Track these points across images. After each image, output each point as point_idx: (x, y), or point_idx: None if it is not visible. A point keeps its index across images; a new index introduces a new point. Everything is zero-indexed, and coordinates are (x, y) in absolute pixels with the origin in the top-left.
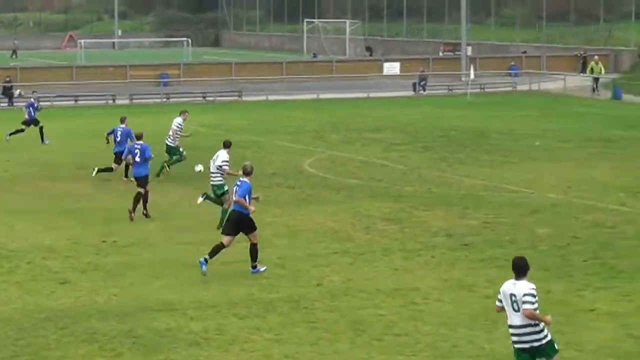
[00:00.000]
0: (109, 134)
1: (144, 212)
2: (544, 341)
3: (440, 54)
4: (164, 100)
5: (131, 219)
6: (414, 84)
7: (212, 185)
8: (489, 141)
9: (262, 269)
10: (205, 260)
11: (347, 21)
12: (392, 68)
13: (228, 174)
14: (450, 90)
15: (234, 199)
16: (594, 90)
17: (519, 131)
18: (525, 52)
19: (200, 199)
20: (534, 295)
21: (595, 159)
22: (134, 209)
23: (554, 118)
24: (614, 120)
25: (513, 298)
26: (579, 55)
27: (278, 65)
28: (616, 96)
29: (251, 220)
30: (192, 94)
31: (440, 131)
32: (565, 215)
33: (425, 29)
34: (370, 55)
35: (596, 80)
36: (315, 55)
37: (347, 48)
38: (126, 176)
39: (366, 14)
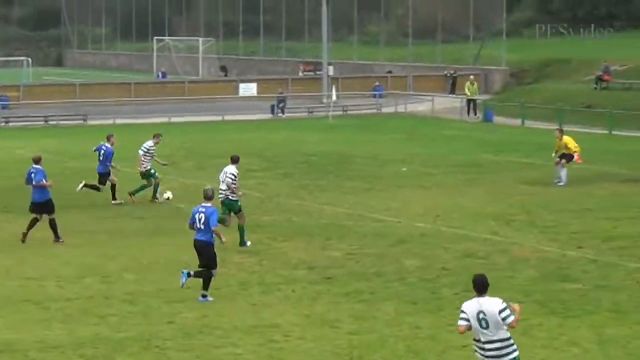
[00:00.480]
0: (95, 149)
1: (56, 239)
2: (513, 355)
3: (300, 74)
4: (3, 124)
5: (23, 240)
6: (272, 106)
7: (227, 203)
8: (352, 167)
9: (210, 299)
10: (189, 274)
11: (200, 39)
12: (248, 89)
13: (229, 189)
14: (311, 112)
15: (199, 226)
16: (469, 112)
17: (384, 156)
18: (390, 71)
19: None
20: (507, 309)
21: (465, 185)
22: (27, 231)
23: (421, 142)
24: (484, 143)
25: (481, 316)
26: (448, 75)
27: (126, 86)
28: (487, 118)
29: (213, 251)
30: (33, 118)
31: (300, 156)
32: (434, 246)
33: (284, 47)
34: (225, 75)
35: (472, 101)
36: (164, 75)
37: (200, 68)
38: (114, 198)
39: (220, 32)
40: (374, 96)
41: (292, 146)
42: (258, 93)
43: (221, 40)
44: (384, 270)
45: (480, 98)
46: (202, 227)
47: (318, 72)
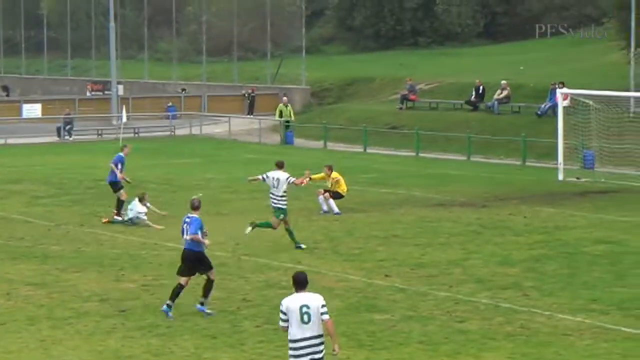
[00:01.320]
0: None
1: None
2: (323, 352)
3: (88, 94)
4: None
5: None
6: (59, 129)
7: (277, 209)
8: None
9: (208, 311)
10: (169, 306)
11: None
12: (32, 110)
13: (297, 184)
14: (100, 135)
15: (186, 237)
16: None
17: (179, 181)
18: (184, 89)
19: (249, 229)
20: (326, 306)
21: (266, 211)
22: None
23: (218, 166)
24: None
25: (304, 309)
26: (246, 94)
27: None
28: (287, 140)
29: (205, 257)
30: None
31: (90, 182)
32: (234, 276)
33: (70, 65)
34: (7, 95)
35: (287, 125)
36: None
37: None
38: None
39: (1, 48)
40: (167, 117)
41: (81, 171)
42: (43, 114)
43: (2, 58)
44: (181, 302)
45: (289, 121)
46: (188, 236)
47: (107, 92)
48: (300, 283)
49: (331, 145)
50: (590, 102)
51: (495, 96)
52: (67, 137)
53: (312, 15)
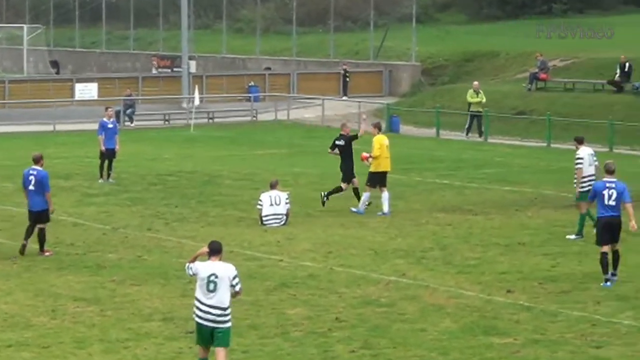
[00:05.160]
0: None
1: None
2: (227, 324)
3: (154, 71)
4: None
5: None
6: (118, 112)
7: None
8: (221, 190)
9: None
10: (606, 280)
11: (25, 26)
12: (87, 90)
13: None
14: (168, 121)
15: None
16: (469, 131)
17: (262, 176)
18: (269, 68)
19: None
20: (238, 277)
21: (365, 214)
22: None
23: (309, 158)
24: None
25: (212, 278)
26: (343, 72)
27: None
28: (392, 128)
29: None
30: None
31: (154, 177)
32: (325, 291)
33: (133, 37)
34: (57, 72)
35: (476, 116)
36: None
37: (24, 63)
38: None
39: (51, 17)
40: (248, 99)
41: (143, 164)
42: (99, 96)
43: (52, 29)
44: (261, 322)
45: (382, 102)
46: (614, 203)
47: (176, 69)
48: (216, 250)
49: (445, 134)
50: None
51: None
52: (127, 123)
53: None
